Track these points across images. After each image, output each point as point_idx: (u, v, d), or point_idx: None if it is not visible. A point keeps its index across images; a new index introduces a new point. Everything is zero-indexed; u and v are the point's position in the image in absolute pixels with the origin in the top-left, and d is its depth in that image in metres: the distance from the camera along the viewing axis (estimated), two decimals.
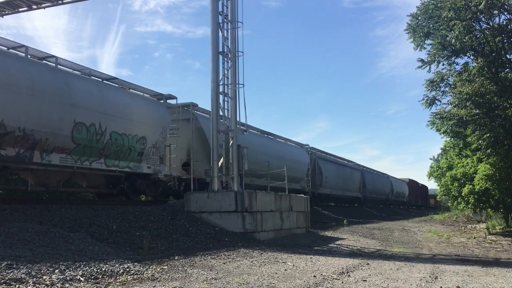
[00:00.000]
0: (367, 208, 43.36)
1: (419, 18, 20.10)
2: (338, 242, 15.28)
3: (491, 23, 19.38)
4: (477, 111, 17.92)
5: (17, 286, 5.87)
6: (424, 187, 74.58)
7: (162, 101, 17.87)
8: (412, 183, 66.48)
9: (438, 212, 48.76)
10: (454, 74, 20.57)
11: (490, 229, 21.36)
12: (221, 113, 15.40)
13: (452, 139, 23.75)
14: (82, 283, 6.38)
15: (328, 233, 18.53)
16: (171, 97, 18.09)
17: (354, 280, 7.74)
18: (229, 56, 15.39)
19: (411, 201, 65.17)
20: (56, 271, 6.76)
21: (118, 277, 6.98)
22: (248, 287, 6.80)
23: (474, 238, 18.71)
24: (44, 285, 6.03)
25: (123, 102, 15.34)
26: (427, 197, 75.98)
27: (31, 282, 6.04)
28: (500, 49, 19.39)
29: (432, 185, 66.49)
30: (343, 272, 8.50)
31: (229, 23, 15.49)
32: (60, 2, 15.90)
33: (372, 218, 33.08)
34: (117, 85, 15.79)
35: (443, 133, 20.36)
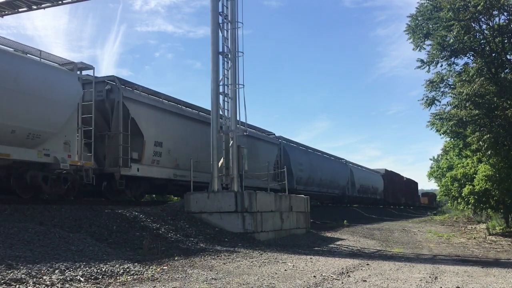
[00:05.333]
0: None
1: (418, 19, 20.11)
2: (338, 243, 15.28)
3: (490, 24, 19.39)
4: (477, 111, 17.92)
5: (17, 286, 5.87)
6: (412, 183, 63.83)
7: None
8: (390, 176, 52.46)
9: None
10: (453, 75, 20.57)
11: (490, 230, 21.37)
12: (221, 113, 15.42)
13: (452, 139, 23.76)
14: (82, 283, 6.38)
15: (328, 234, 18.53)
16: None
17: (354, 280, 7.74)
18: (229, 56, 15.40)
19: (388, 199, 50.81)
20: (56, 271, 6.76)
21: (118, 278, 6.98)
22: (248, 287, 6.80)
23: (474, 238, 18.72)
24: (44, 285, 6.03)
25: None
26: (417, 195, 67.23)
27: (31, 283, 6.04)
28: (500, 49, 19.39)
29: (432, 185, 63.82)
30: (343, 273, 8.51)
31: (229, 23, 15.49)
32: (60, 2, 15.89)
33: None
34: None
35: (443, 134, 20.37)
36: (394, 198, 53.14)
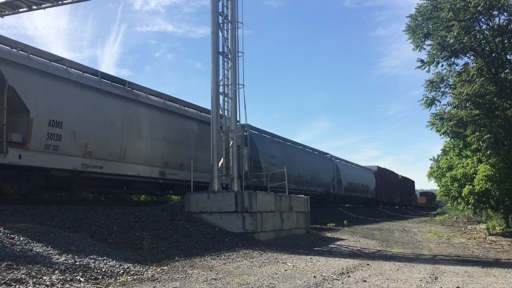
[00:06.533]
0: None
1: (418, 19, 20.12)
2: (338, 243, 15.28)
3: (490, 24, 19.41)
4: (477, 111, 17.94)
5: (17, 286, 5.87)
6: (408, 181, 61.32)
7: None
8: (383, 173, 49.04)
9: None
10: (453, 75, 20.59)
11: (490, 230, 21.36)
12: (221, 113, 15.43)
13: (452, 139, 23.77)
14: (82, 284, 6.38)
15: (328, 234, 18.52)
16: None
17: (354, 280, 7.74)
18: (229, 56, 15.40)
19: (381, 198, 47.62)
20: (56, 271, 6.76)
21: (118, 278, 6.98)
22: (248, 287, 6.80)
23: (474, 238, 18.72)
24: (44, 286, 6.03)
25: None
26: (413, 195, 65.23)
27: (31, 283, 6.03)
28: (500, 49, 19.40)
29: (432, 185, 63.54)
30: (343, 273, 8.51)
31: (229, 23, 15.49)
32: (60, 2, 15.89)
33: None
34: None
35: (443, 134, 20.39)
36: (388, 197, 49.83)
